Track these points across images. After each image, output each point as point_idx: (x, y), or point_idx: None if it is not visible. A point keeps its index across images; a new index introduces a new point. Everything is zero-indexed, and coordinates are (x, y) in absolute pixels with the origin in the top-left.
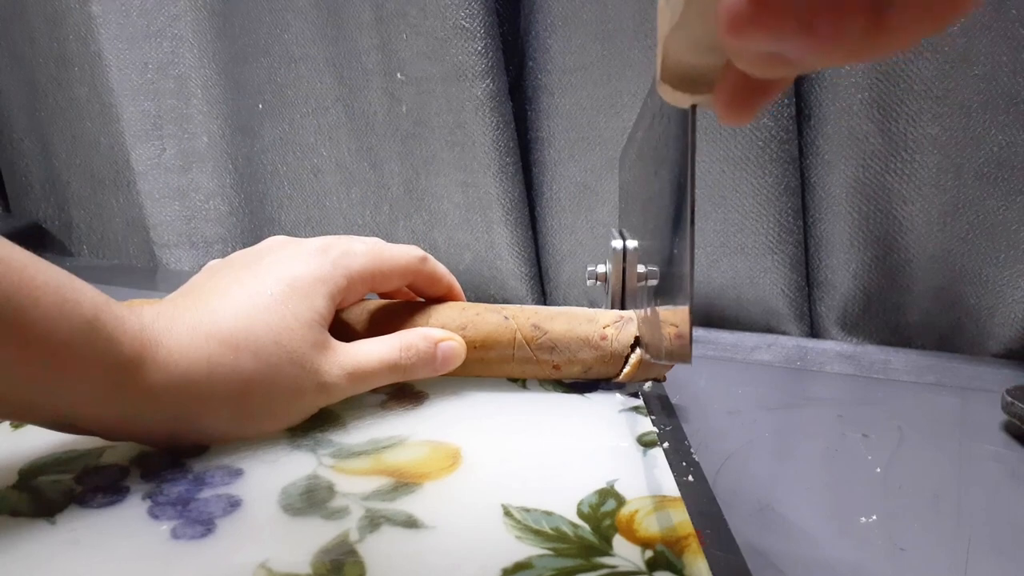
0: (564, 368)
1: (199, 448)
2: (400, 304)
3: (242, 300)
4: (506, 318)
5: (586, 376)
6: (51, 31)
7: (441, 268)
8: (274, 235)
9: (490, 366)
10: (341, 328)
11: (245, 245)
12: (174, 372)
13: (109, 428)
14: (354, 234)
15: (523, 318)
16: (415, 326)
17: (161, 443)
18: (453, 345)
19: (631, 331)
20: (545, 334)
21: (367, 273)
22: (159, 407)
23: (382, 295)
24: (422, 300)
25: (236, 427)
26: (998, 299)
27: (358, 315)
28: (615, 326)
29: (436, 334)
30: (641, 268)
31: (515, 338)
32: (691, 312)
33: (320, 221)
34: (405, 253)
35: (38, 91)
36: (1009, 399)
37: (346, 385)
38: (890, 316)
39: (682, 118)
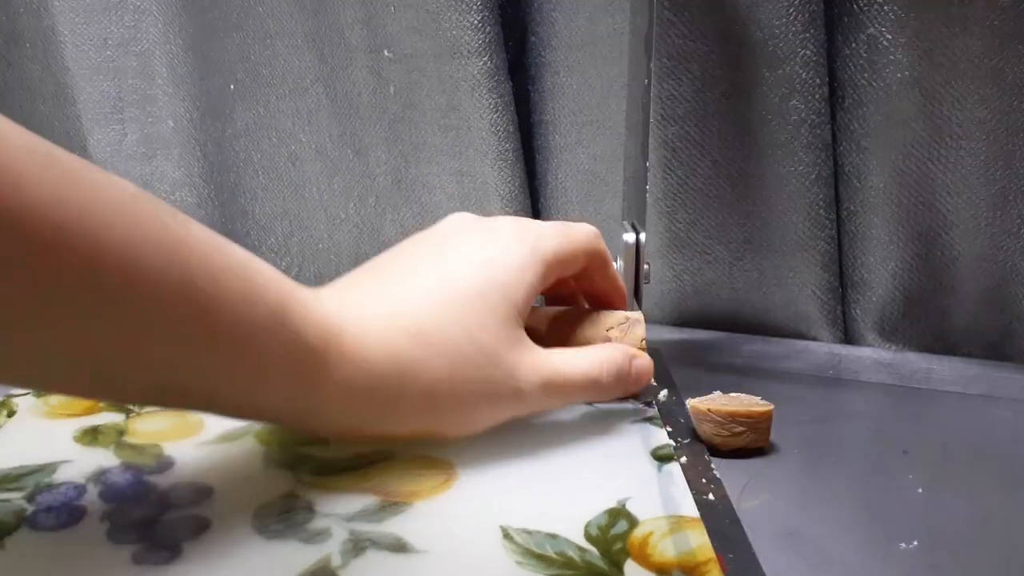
0: None
1: (164, 464)
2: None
3: (433, 288)
4: None
5: None
6: None
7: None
8: (247, 229)
9: None
10: None
11: None
12: (361, 367)
13: (292, 420)
14: (337, 228)
15: None
16: None
17: (343, 437)
18: (645, 363)
19: (638, 333)
20: (543, 337)
21: (562, 256)
22: (344, 403)
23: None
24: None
25: (421, 427)
26: None
27: None
28: (620, 328)
29: (631, 350)
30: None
31: None
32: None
33: (298, 214)
34: (583, 229)
35: None
36: None
37: (540, 395)
38: (933, 320)
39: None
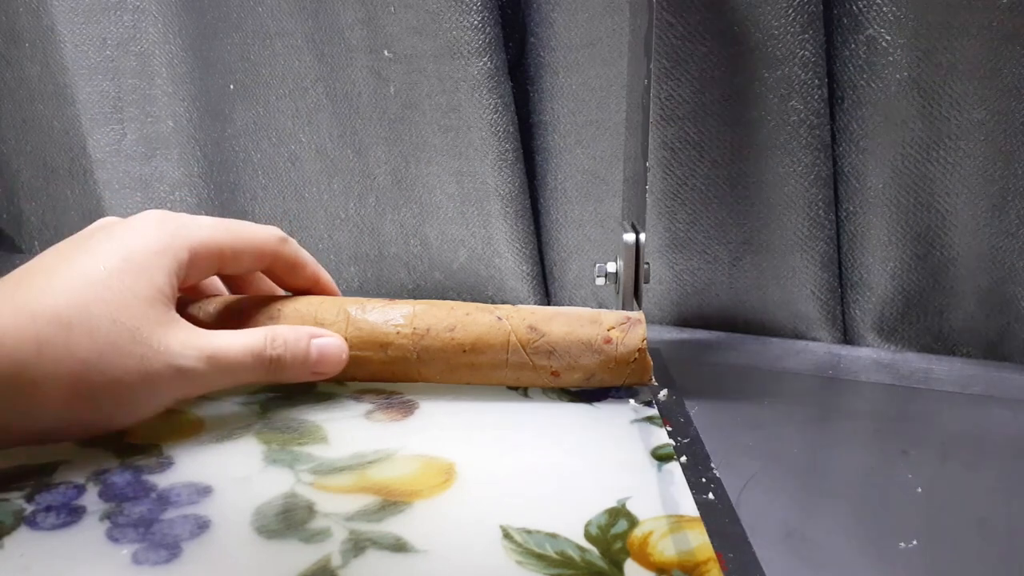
0: (564, 375)
1: (164, 464)
2: (375, 302)
3: (71, 276)
4: (499, 318)
5: (589, 384)
6: None
7: (305, 254)
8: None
9: (481, 372)
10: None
11: None
12: None
13: None
14: (337, 228)
15: (518, 319)
16: (388, 324)
17: None
18: (330, 342)
19: (639, 333)
20: (542, 336)
21: (213, 247)
22: None
23: (233, 284)
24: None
25: (79, 417)
26: None
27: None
28: (621, 328)
29: (308, 329)
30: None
31: (509, 341)
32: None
33: (298, 214)
34: (260, 230)
35: None
36: None
37: (206, 370)
38: (932, 320)
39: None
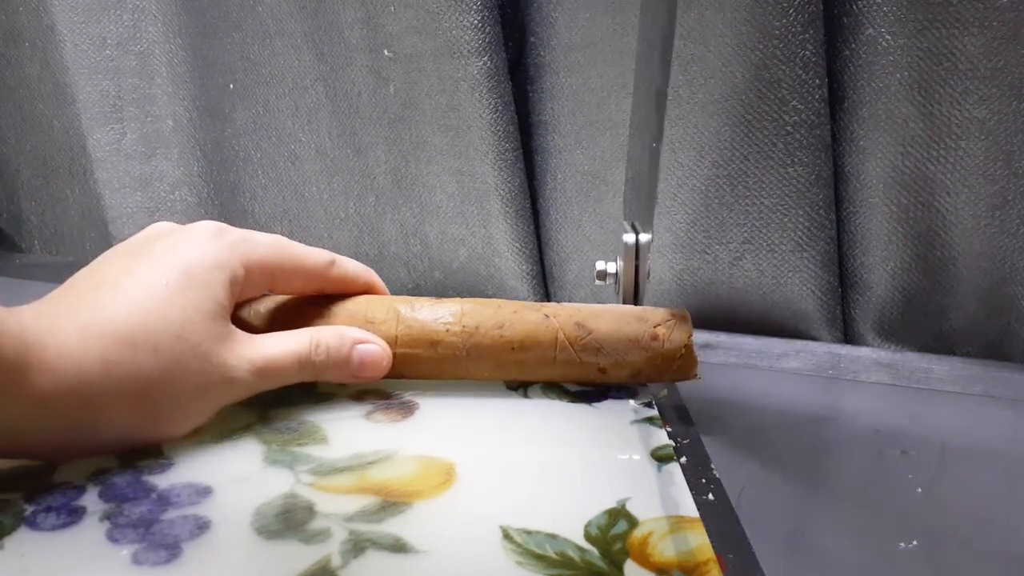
0: (611, 371)
1: (164, 464)
2: (434, 302)
3: (135, 292)
4: (547, 316)
5: (635, 380)
6: None
7: (353, 270)
8: (246, 229)
9: (529, 368)
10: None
11: None
12: (64, 375)
13: None
14: (337, 228)
15: (565, 316)
16: (441, 328)
17: (52, 455)
18: (373, 349)
19: (686, 330)
20: (590, 334)
21: (267, 266)
22: (50, 415)
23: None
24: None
25: (139, 431)
26: None
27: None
28: (667, 325)
29: (353, 334)
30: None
31: (557, 338)
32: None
33: (298, 213)
34: (311, 254)
35: None
36: None
37: (253, 380)
38: (932, 320)
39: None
